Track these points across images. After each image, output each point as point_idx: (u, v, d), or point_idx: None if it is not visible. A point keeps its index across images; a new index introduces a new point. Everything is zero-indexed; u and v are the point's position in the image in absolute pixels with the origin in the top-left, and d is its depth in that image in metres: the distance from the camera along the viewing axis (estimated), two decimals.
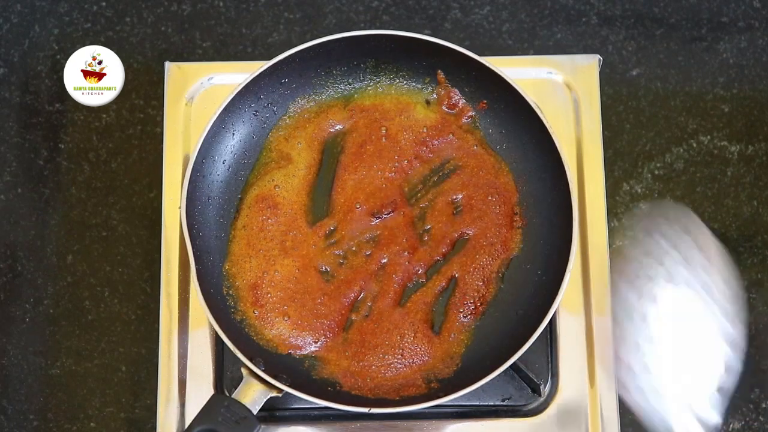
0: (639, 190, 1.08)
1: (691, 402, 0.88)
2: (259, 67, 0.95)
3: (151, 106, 1.10)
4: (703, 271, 0.89)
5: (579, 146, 1.02)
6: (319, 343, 0.93)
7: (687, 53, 1.12)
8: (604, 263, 0.99)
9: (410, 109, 0.99)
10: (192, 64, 1.06)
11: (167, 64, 1.04)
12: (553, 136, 0.93)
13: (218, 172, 0.96)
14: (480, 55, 0.95)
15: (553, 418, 0.96)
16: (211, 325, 0.95)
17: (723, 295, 0.89)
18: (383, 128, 0.99)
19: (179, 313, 0.98)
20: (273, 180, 0.97)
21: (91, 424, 1.02)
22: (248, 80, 0.95)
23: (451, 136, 0.98)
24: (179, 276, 0.98)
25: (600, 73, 1.04)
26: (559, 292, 0.89)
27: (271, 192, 0.97)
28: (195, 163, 0.93)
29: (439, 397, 0.88)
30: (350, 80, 1.00)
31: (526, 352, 0.88)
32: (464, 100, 0.99)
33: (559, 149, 0.93)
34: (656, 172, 1.09)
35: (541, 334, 0.89)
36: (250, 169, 0.98)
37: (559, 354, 0.97)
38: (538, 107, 0.94)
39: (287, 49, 0.95)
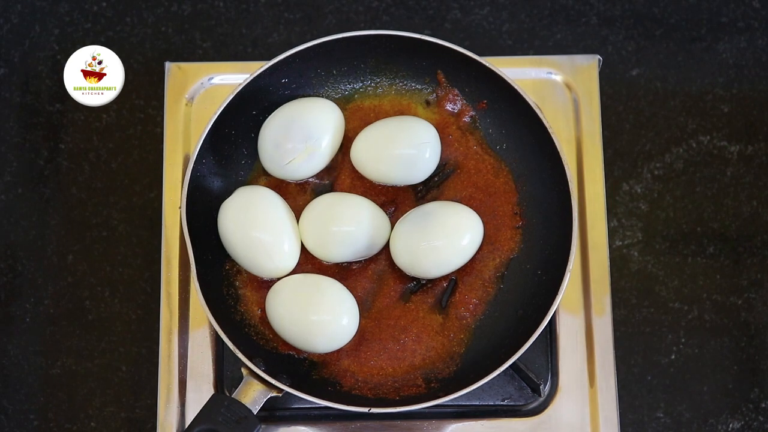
0: (639, 190, 1.08)
1: None
2: (259, 67, 0.95)
3: (151, 106, 1.10)
4: None
5: (579, 146, 1.02)
6: None
7: (686, 53, 1.12)
8: (604, 263, 0.99)
9: (410, 109, 0.99)
10: (192, 64, 1.06)
11: (167, 64, 1.04)
12: (553, 136, 0.93)
13: (218, 172, 0.96)
14: (480, 55, 0.95)
15: (553, 418, 0.96)
16: (211, 325, 0.95)
17: None
18: None
19: (179, 313, 0.98)
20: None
21: (92, 423, 1.02)
22: (248, 80, 0.95)
23: (450, 136, 0.98)
24: (179, 276, 0.98)
25: (600, 73, 1.04)
26: (559, 292, 0.89)
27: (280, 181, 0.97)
28: (195, 163, 0.93)
29: (439, 397, 0.88)
30: (350, 80, 1.00)
31: (526, 352, 0.88)
32: (464, 100, 0.99)
33: (559, 149, 0.92)
34: (656, 172, 1.09)
35: (541, 334, 0.89)
36: (250, 169, 0.98)
37: (559, 354, 0.97)
38: (538, 107, 0.94)
39: (287, 49, 0.95)
